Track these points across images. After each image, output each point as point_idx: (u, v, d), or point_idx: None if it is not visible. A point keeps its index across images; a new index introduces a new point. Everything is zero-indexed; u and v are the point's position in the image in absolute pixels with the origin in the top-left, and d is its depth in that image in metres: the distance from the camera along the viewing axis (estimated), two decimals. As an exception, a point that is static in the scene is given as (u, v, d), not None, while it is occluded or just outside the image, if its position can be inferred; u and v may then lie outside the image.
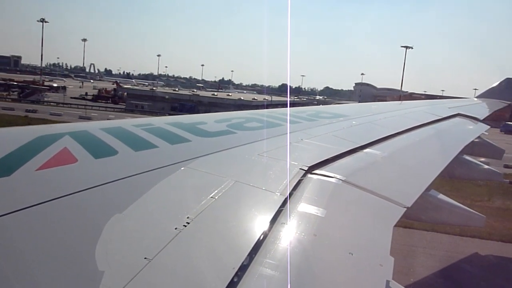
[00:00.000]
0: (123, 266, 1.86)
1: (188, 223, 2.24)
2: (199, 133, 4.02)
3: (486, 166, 9.50)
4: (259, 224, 2.46)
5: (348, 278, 2.32)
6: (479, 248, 14.78)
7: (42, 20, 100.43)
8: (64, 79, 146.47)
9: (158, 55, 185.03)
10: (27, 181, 2.48)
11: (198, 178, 2.98)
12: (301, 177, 3.27)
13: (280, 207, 2.65)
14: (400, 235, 12.46)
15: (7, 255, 1.82)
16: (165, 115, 39.39)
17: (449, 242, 14.69)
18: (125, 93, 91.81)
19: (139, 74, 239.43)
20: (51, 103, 73.10)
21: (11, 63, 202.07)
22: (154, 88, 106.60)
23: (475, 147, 8.49)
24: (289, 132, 4.70)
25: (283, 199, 2.77)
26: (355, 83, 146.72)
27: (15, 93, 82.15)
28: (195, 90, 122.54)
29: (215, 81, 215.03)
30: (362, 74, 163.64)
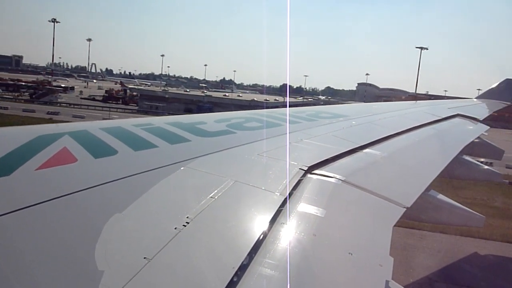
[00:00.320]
0: (123, 266, 1.86)
1: (188, 223, 2.24)
2: (199, 133, 4.02)
3: (485, 167, 9.52)
4: (258, 224, 2.46)
5: (348, 278, 2.32)
6: (478, 248, 14.81)
7: (54, 20, 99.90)
8: (67, 79, 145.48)
9: (162, 55, 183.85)
10: (27, 181, 2.48)
11: (198, 178, 2.98)
12: (301, 177, 3.27)
13: (279, 207, 2.65)
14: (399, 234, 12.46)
15: (7, 254, 1.82)
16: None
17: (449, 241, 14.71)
18: (136, 94, 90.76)
19: (140, 74, 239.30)
20: (63, 104, 71.99)
21: (12, 62, 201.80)
22: (166, 89, 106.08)
23: (475, 148, 8.50)
24: (289, 132, 4.70)
25: (283, 199, 2.77)
26: (358, 83, 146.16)
27: (26, 93, 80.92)
28: (205, 91, 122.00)
29: (216, 81, 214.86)
30: (367, 74, 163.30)
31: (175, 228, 2.16)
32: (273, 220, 2.49)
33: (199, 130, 4.11)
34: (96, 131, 3.50)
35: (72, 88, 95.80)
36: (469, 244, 14.90)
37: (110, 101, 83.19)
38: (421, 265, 12.65)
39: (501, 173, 10.03)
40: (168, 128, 4.00)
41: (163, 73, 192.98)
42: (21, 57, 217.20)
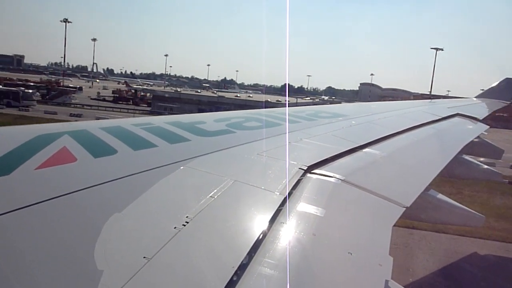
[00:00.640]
0: (122, 265, 1.86)
1: (187, 222, 2.24)
2: (199, 132, 4.02)
3: (485, 166, 9.51)
4: (258, 223, 2.46)
5: (347, 277, 2.33)
6: (475, 246, 14.82)
7: (65, 20, 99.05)
8: (71, 79, 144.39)
9: (166, 55, 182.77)
10: (26, 180, 2.48)
11: (197, 178, 2.98)
12: (300, 176, 3.27)
13: (279, 206, 2.65)
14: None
15: (6, 254, 1.82)
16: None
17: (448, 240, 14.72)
18: (146, 94, 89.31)
19: (141, 74, 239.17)
20: (78, 105, 70.11)
21: (14, 62, 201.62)
22: (179, 90, 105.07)
23: (475, 147, 8.50)
24: (289, 132, 4.70)
25: (282, 198, 2.77)
26: (361, 83, 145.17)
27: (37, 94, 78.32)
28: (215, 92, 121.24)
29: (217, 81, 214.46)
30: (372, 74, 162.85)
31: (175, 228, 2.16)
32: (272, 220, 2.49)
33: (198, 130, 4.10)
34: (96, 131, 3.49)
35: (81, 89, 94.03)
36: (467, 243, 14.92)
37: (120, 102, 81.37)
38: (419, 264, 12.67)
39: (501, 173, 10.02)
40: (167, 127, 4.00)
41: (166, 72, 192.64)
42: (22, 57, 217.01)
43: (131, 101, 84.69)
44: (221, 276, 1.88)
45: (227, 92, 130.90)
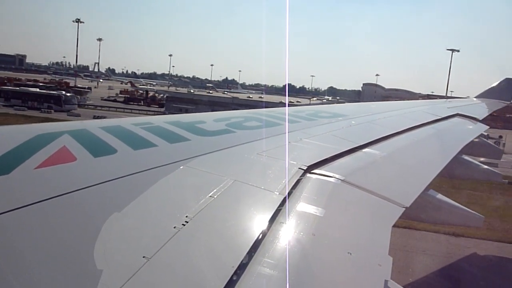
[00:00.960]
0: (122, 265, 1.86)
1: (187, 222, 2.24)
2: (198, 132, 4.02)
3: (485, 166, 9.52)
4: (258, 223, 2.46)
5: (347, 277, 2.33)
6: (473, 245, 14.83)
7: (77, 21, 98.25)
8: (74, 78, 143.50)
9: (170, 55, 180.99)
10: (26, 180, 2.48)
11: (197, 177, 2.98)
12: (300, 176, 3.27)
13: (279, 206, 2.65)
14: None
15: (6, 253, 1.82)
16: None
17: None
18: (157, 95, 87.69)
19: (142, 73, 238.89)
20: (90, 106, 67.63)
21: (16, 62, 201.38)
22: (192, 91, 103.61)
23: (474, 147, 8.51)
24: (288, 132, 4.70)
25: (282, 198, 2.77)
26: (363, 84, 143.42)
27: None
28: (225, 92, 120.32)
29: (218, 81, 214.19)
30: (377, 75, 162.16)
31: (174, 227, 2.16)
32: (272, 220, 2.49)
33: (198, 129, 4.10)
34: (96, 130, 3.49)
35: (90, 89, 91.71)
36: (465, 243, 14.93)
37: (132, 103, 79.31)
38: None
39: (501, 173, 10.02)
40: (167, 127, 4.00)
41: (169, 72, 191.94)
42: (24, 56, 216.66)
43: (141, 101, 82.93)
44: (221, 275, 1.88)
45: (235, 92, 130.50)
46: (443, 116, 8.87)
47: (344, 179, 3.45)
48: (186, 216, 2.29)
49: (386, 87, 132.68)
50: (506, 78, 16.12)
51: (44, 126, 3.78)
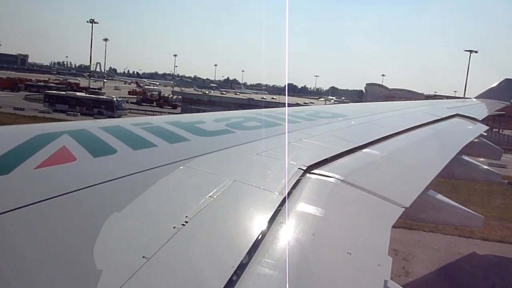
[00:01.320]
0: (121, 265, 1.86)
1: (187, 222, 2.24)
2: (198, 132, 4.02)
3: (485, 167, 9.52)
4: (257, 223, 2.46)
5: (346, 277, 2.33)
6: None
7: (92, 21, 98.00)
8: (78, 78, 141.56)
9: (175, 55, 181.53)
10: (26, 180, 2.48)
11: (197, 177, 2.98)
12: (300, 176, 3.27)
13: (278, 206, 2.65)
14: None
15: (5, 253, 1.82)
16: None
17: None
18: (174, 96, 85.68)
19: (143, 73, 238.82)
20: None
21: (18, 61, 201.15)
22: (207, 92, 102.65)
23: (474, 148, 8.50)
24: (288, 132, 4.70)
25: (282, 198, 2.77)
26: (367, 84, 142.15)
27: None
28: (237, 93, 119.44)
29: (220, 81, 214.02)
30: (383, 75, 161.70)
31: (174, 228, 2.16)
32: (272, 220, 2.49)
33: (198, 130, 4.10)
34: (95, 130, 3.49)
35: (100, 89, 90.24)
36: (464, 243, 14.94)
37: (145, 104, 76.66)
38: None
39: (500, 174, 10.01)
40: (167, 127, 4.00)
41: (172, 72, 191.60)
42: (26, 56, 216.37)
43: (154, 102, 79.88)
44: (221, 275, 1.88)
45: (230, 91, 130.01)
46: (442, 116, 8.87)
47: (344, 179, 3.45)
48: (186, 216, 2.29)
49: (390, 87, 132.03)
50: (506, 79, 16.12)
51: (43, 126, 3.78)
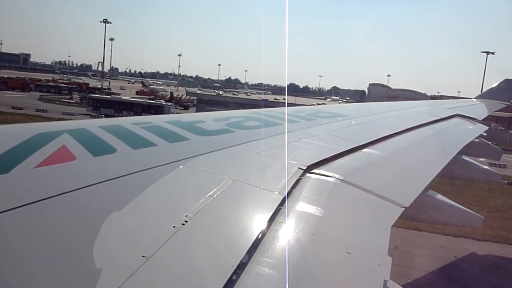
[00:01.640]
0: (121, 264, 1.86)
1: (186, 221, 2.24)
2: (198, 131, 4.02)
3: (484, 167, 9.51)
4: (257, 223, 2.46)
5: (346, 277, 2.33)
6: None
7: (105, 21, 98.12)
8: (82, 78, 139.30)
9: (179, 55, 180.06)
10: (25, 179, 2.48)
11: (197, 177, 2.98)
12: (300, 176, 3.27)
13: (278, 206, 2.65)
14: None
15: (5, 252, 1.82)
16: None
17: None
18: (187, 97, 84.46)
19: (145, 72, 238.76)
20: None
21: (20, 60, 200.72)
22: (220, 93, 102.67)
23: (474, 148, 8.50)
24: (288, 131, 4.70)
25: (282, 198, 2.77)
26: (370, 84, 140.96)
27: (68, 96, 73.67)
28: (249, 94, 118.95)
29: (222, 80, 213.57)
30: (389, 75, 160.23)
31: (174, 227, 2.16)
32: (271, 219, 2.49)
33: (198, 129, 4.10)
34: (95, 129, 3.49)
35: (109, 90, 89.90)
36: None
37: None
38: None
39: (500, 174, 10.01)
40: (167, 126, 4.00)
41: (178, 72, 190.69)
42: (28, 55, 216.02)
43: None
44: (220, 275, 1.88)
45: (233, 91, 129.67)
46: (442, 116, 8.88)
47: (344, 179, 3.45)
48: (186, 216, 2.29)
49: (393, 87, 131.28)
50: (506, 79, 16.14)
51: (43, 125, 3.78)
